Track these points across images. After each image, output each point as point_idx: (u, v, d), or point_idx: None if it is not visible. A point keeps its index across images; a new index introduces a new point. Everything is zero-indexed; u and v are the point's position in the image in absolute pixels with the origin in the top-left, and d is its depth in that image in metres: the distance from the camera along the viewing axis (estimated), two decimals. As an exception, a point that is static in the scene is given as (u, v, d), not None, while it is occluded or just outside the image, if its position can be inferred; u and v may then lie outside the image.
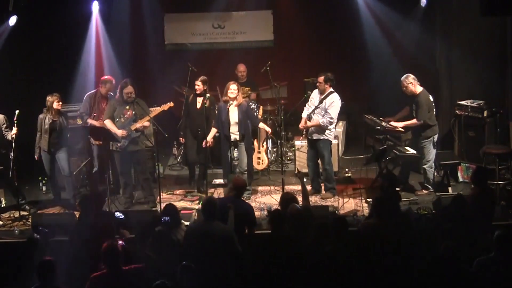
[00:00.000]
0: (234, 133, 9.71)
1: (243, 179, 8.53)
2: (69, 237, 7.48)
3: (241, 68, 11.53)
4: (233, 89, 9.68)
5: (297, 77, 12.41)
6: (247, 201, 9.70)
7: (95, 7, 11.63)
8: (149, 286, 5.85)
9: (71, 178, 9.88)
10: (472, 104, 10.39)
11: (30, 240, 7.03)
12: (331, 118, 9.54)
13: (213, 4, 12.67)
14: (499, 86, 10.57)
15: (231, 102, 9.67)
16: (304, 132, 9.82)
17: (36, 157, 9.66)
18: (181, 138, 10.30)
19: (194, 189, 10.25)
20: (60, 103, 9.63)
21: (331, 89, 9.63)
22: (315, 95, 9.80)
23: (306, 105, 9.92)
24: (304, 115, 9.84)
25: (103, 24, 11.79)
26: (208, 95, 9.78)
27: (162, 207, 9.06)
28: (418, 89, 9.59)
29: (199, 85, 9.93)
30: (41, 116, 9.61)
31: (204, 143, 9.79)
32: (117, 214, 8.15)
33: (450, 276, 6.06)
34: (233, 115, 9.70)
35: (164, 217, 7.18)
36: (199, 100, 9.97)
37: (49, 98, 9.54)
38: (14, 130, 9.25)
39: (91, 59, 12.02)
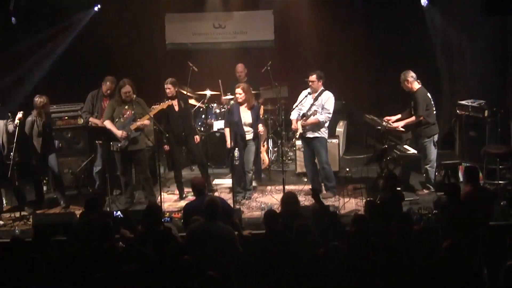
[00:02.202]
0: (248, 133, 9.65)
1: (200, 178, 8.50)
2: (68, 237, 7.50)
3: (239, 68, 11.53)
4: (238, 93, 9.65)
5: (298, 77, 12.33)
6: (247, 201, 9.72)
7: (97, 8, 11.66)
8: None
9: (60, 177, 9.95)
10: (473, 104, 10.39)
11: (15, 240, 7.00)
12: (329, 113, 9.54)
13: (214, 4, 12.69)
14: (500, 85, 10.57)
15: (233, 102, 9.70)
16: (297, 133, 9.77)
17: (34, 162, 9.57)
18: (165, 146, 10.03)
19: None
20: (49, 105, 9.61)
21: (322, 87, 9.64)
22: (304, 95, 9.76)
23: (296, 107, 9.83)
24: (293, 116, 9.80)
25: (103, 24, 11.83)
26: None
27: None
28: (416, 86, 9.60)
29: (170, 88, 9.77)
30: (29, 119, 9.39)
31: (197, 140, 9.88)
32: (116, 213, 8.13)
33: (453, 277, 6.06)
34: (247, 117, 9.65)
35: (164, 218, 7.20)
36: (175, 103, 9.83)
37: (40, 100, 9.40)
38: (19, 115, 9.18)
39: (91, 58, 12.06)
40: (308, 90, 9.75)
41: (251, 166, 9.78)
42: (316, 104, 9.59)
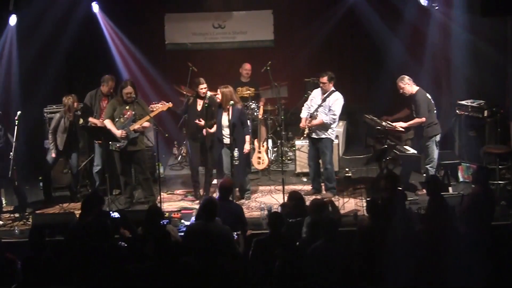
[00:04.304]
0: (226, 136, 9.50)
1: (229, 180, 8.46)
2: (66, 237, 7.48)
3: (247, 66, 11.56)
4: (217, 93, 9.57)
5: (297, 77, 12.41)
6: (247, 201, 9.72)
7: (95, 7, 11.65)
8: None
9: (77, 176, 10.04)
10: (473, 104, 10.38)
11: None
12: (335, 115, 9.54)
13: (214, 4, 12.70)
14: (499, 86, 10.54)
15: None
16: (305, 132, 9.78)
17: (54, 155, 9.70)
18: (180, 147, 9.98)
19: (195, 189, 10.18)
20: (79, 103, 9.81)
21: (333, 88, 9.64)
22: (316, 95, 9.79)
23: (305, 104, 9.90)
24: (303, 115, 9.82)
25: (103, 23, 11.84)
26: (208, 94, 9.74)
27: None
28: (414, 88, 9.62)
29: (205, 88, 9.65)
30: (58, 115, 9.72)
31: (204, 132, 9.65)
32: (112, 214, 8.11)
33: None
34: (224, 118, 9.52)
35: (162, 221, 7.21)
36: (200, 102, 9.75)
37: (68, 99, 9.62)
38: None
39: (92, 58, 12.06)
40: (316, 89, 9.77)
41: (228, 168, 9.50)
42: (323, 105, 9.59)
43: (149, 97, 11.08)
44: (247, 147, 9.54)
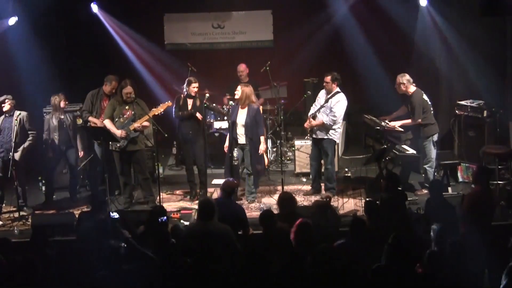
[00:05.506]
0: (240, 135, 9.53)
1: (233, 181, 8.43)
2: (77, 235, 7.47)
3: (240, 68, 11.53)
4: (237, 89, 9.56)
5: (296, 77, 12.41)
6: (251, 204, 9.69)
7: (94, 8, 11.67)
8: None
9: (77, 176, 10.08)
10: (472, 104, 10.39)
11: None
12: (335, 116, 9.52)
13: (213, 4, 12.70)
14: (498, 86, 10.56)
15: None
16: (308, 132, 9.79)
17: (51, 154, 9.82)
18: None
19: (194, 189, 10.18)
20: (66, 102, 9.91)
21: (338, 89, 9.64)
22: (321, 95, 9.79)
23: (313, 104, 9.90)
24: (310, 114, 9.84)
25: (108, 23, 11.88)
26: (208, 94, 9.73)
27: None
28: (411, 89, 9.62)
29: (197, 87, 9.75)
30: (47, 116, 9.88)
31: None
32: (112, 214, 8.11)
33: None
34: (240, 117, 9.54)
35: (161, 218, 7.19)
36: (190, 101, 9.77)
37: (55, 98, 9.78)
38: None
39: (92, 58, 12.05)
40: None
41: (249, 168, 9.65)
42: (325, 106, 9.60)
43: (148, 97, 11.06)
44: (262, 147, 9.53)
